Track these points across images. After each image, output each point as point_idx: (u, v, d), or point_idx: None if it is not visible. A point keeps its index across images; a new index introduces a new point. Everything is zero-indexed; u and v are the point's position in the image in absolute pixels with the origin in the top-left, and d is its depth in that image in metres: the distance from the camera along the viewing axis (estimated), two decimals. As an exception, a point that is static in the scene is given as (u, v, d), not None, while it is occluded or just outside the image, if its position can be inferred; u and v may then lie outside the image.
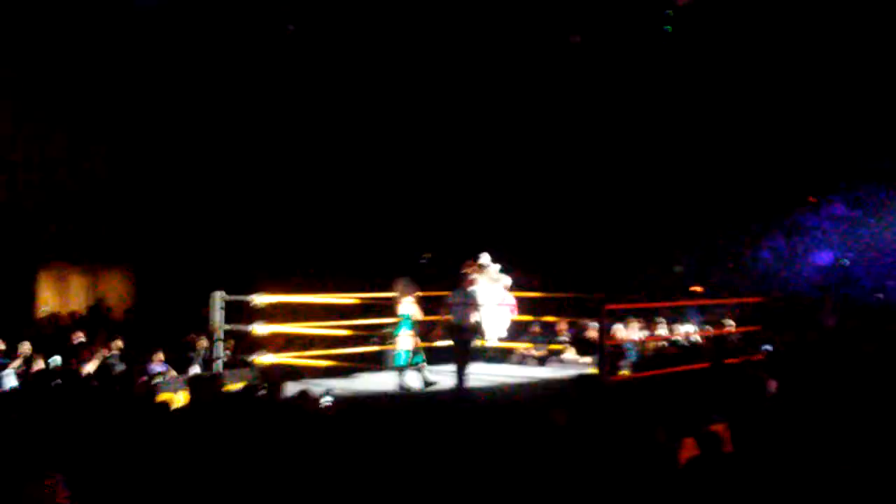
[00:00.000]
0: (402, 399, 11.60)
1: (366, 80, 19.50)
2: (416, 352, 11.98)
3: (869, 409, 7.69)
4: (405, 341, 11.94)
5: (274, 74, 18.94)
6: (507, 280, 13.49)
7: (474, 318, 11.86)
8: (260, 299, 12.43)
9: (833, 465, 5.84)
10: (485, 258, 13.36)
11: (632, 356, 13.46)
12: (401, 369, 11.88)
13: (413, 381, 11.84)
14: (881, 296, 16.08)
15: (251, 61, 18.47)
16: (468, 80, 19.70)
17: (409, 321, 11.99)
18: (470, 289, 12.09)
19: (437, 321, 12.27)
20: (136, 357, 12.50)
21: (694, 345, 14.01)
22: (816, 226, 18.22)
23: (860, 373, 10.32)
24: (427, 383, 11.86)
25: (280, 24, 17.21)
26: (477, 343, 12.55)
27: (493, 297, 12.98)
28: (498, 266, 13.49)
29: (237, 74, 18.67)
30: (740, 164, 19.18)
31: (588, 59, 19.18)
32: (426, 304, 12.29)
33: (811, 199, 18.61)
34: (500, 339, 13.48)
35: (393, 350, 12.28)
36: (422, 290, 12.39)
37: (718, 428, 7.22)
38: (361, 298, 13.71)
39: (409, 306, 12.07)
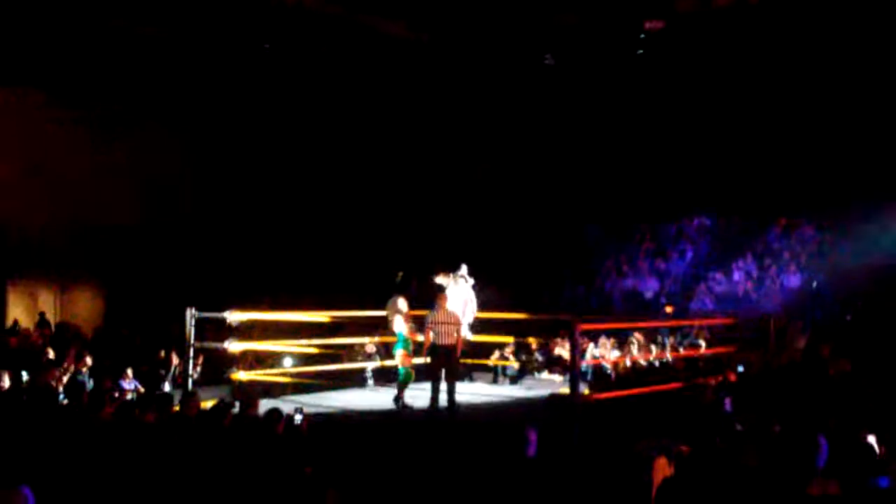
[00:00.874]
0: (375, 416, 11.59)
1: (332, 105, 19.57)
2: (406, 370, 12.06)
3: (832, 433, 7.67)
4: (401, 359, 12.03)
5: (246, 90, 18.86)
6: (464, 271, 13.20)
7: (454, 337, 11.62)
8: (233, 317, 12.33)
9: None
10: (462, 270, 13.11)
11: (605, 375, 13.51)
12: (402, 386, 11.96)
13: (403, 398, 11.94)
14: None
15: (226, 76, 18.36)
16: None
17: (404, 340, 12.06)
18: (448, 307, 11.88)
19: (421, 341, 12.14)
20: (106, 374, 12.36)
21: (667, 364, 14.06)
22: (786, 248, 18.31)
23: (827, 397, 10.37)
24: (403, 403, 11.90)
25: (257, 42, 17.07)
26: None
27: (464, 300, 12.79)
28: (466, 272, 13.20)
29: (204, 89, 18.54)
30: (711, 187, 19.32)
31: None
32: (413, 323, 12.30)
33: (782, 221, 18.72)
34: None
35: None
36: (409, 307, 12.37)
37: (684, 449, 7.18)
38: (333, 317, 13.68)
39: (401, 324, 12.13)
